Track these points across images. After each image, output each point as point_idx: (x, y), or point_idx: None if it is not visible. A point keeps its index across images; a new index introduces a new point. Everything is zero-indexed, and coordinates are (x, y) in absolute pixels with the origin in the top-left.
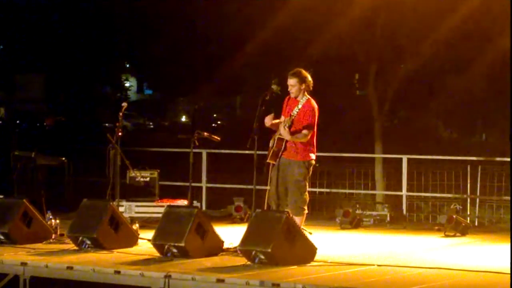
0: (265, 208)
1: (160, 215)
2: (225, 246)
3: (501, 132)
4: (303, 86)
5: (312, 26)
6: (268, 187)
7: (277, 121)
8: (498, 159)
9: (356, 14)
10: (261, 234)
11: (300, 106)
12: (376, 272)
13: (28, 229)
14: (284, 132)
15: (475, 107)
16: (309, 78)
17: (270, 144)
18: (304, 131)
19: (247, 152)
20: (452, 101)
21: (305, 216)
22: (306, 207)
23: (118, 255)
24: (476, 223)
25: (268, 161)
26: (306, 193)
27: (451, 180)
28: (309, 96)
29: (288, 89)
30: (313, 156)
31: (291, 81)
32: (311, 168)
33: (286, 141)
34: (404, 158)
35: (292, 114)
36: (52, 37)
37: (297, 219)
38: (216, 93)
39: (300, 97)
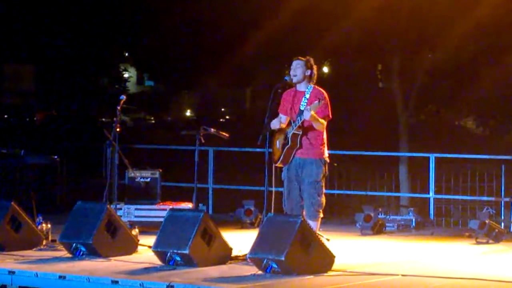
0: (272, 210)
1: (162, 219)
2: (234, 253)
3: None
4: (308, 72)
5: (330, 11)
6: (273, 189)
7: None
8: None
9: None
10: (273, 241)
11: (308, 96)
12: (401, 283)
13: (16, 234)
14: (308, 114)
15: (509, 101)
16: (315, 68)
17: (277, 145)
18: (322, 120)
19: (258, 150)
20: (484, 95)
21: (320, 221)
22: (321, 211)
23: (115, 263)
24: (511, 229)
25: (278, 165)
26: (323, 195)
27: (483, 182)
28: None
29: (291, 73)
30: (327, 153)
31: (296, 63)
32: (327, 167)
33: (301, 138)
34: (432, 157)
35: (316, 102)
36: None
37: (313, 224)
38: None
39: (304, 85)
